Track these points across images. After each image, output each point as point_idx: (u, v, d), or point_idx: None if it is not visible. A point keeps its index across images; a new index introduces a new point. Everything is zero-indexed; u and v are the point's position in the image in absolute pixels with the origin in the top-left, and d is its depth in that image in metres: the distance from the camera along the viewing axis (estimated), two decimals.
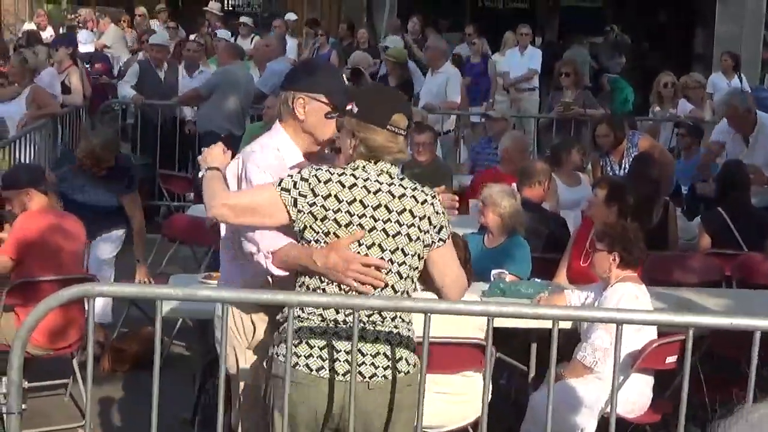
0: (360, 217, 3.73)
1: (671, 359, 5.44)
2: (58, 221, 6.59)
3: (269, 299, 3.78)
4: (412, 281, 3.84)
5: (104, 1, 21.09)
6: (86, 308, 3.90)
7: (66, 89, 11.30)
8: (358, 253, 3.74)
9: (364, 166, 3.79)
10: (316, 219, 3.76)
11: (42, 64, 10.87)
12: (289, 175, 3.84)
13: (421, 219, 3.73)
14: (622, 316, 3.79)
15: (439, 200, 3.83)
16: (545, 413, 3.76)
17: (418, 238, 3.74)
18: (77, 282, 5.08)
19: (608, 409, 4.13)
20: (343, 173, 3.78)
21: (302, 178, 3.78)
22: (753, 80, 15.70)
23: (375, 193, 3.74)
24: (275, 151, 4.11)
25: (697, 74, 13.31)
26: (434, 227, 3.77)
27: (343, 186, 3.75)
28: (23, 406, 3.69)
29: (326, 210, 3.74)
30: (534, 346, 5.73)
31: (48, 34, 15.50)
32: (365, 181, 3.75)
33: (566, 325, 5.40)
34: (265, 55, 12.35)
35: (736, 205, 7.71)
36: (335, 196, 3.74)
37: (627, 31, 20.30)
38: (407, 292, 3.81)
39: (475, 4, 22.59)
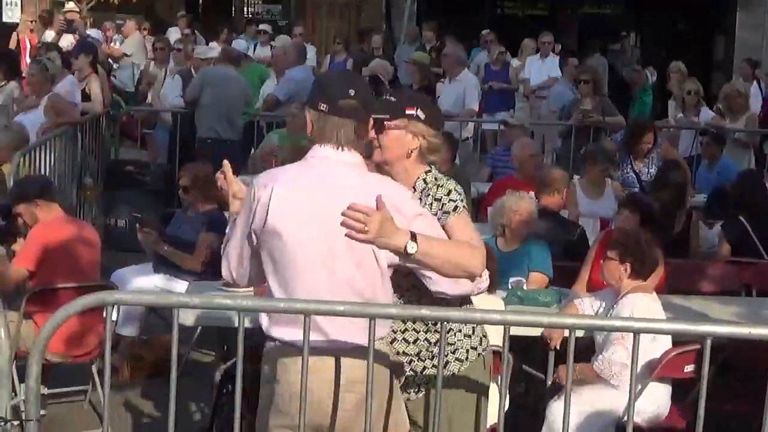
0: None
1: (689, 368, 5.41)
2: (78, 230, 6.59)
3: (286, 308, 3.78)
4: None
5: (124, 9, 21.11)
6: (104, 316, 3.91)
7: (87, 97, 11.30)
8: None
9: None
10: None
11: (58, 71, 10.86)
12: None
13: None
14: (639, 326, 3.78)
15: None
16: (562, 422, 3.75)
17: None
18: (95, 290, 5.09)
19: (626, 419, 4.12)
20: None
21: None
22: None
23: None
24: None
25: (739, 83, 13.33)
26: None
27: None
28: (42, 413, 3.70)
29: None
30: (552, 355, 5.71)
31: (67, 42, 15.47)
32: None
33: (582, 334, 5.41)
34: (282, 62, 12.35)
35: (756, 214, 7.67)
36: None
37: (646, 38, 20.25)
38: None
39: (494, 10, 22.57)
